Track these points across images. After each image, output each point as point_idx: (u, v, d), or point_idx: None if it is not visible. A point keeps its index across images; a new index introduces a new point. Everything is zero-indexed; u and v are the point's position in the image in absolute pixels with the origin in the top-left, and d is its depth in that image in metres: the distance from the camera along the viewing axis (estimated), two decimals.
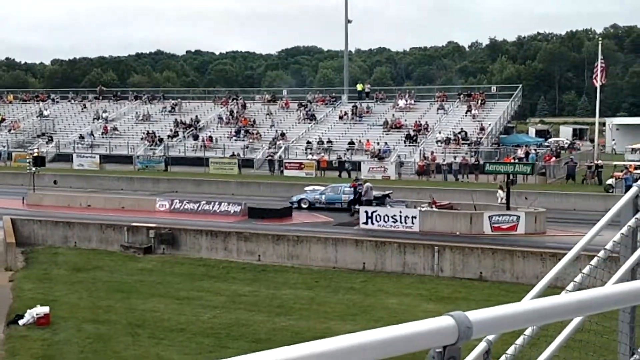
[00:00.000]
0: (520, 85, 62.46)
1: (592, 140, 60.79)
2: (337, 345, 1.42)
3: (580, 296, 1.82)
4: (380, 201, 31.67)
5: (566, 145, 58.99)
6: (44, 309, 19.25)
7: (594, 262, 4.74)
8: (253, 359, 1.38)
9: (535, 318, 1.76)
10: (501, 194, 31.68)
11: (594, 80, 49.29)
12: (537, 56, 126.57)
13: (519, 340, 4.23)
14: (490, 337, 3.98)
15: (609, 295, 1.90)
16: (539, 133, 71.21)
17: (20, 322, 19.04)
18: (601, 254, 4.75)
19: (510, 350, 4.14)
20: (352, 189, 32.73)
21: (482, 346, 3.89)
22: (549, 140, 64.41)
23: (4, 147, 59.38)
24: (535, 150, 48.83)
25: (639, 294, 2.00)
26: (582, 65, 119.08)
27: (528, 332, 4.25)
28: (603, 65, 48.80)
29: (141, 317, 19.67)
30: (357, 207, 30.62)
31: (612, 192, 35.44)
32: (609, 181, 37.45)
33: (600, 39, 56.79)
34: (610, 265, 4.61)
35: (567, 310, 1.82)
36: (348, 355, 1.43)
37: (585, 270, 4.69)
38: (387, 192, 33.01)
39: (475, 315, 1.63)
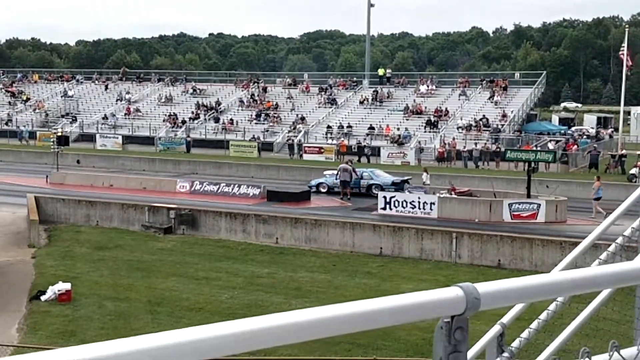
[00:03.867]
0: (544, 72, 61.80)
1: (616, 129, 60.06)
2: (348, 311, 1.46)
3: (589, 272, 1.83)
4: (399, 187, 31.64)
5: (592, 134, 58.22)
6: (65, 286, 19.55)
7: (611, 248, 4.73)
8: (267, 319, 1.42)
9: (543, 292, 1.79)
10: (425, 176, 31.78)
11: (625, 67, 48.46)
12: (562, 43, 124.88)
13: (534, 325, 4.23)
14: (504, 320, 4.00)
15: (621, 272, 1.91)
16: (562, 121, 70.46)
17: (43, 297, 19.36)
18: (619, 240, 4.74)
19: (524, 334, 4.15)
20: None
21: (496, 329, 3.91)
22: (572, 128, 63.71)
23: (24, 126, 59.92)
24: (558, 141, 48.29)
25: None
26: (608, 52, 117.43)
27: (543, 316, 4.25)
28: (626, 51, 48.03)
29: (160, 296, 19.92)
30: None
31: (635, 181, 35.04)
32: (632, 171, 37.04)
33: (627, 26, 55.84)
34: (628, 253, 4.60)
35: (575, 285, 1.84)
36: (359, 320, 1.47)
37: (603, 256, 4.68)
38: (406, 178, 32.94)
39: (484, 287, 1.66)
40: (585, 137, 53.93)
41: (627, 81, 52.50)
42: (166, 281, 21.36)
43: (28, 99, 67.55)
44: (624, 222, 4.72)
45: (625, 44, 47.73)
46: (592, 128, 65.85)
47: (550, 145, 45.44)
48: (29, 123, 61.07)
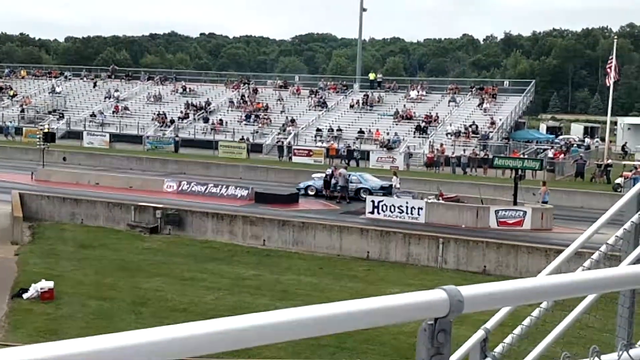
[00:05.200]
0: (533, 81, 62.08)
1: (602, 139, 60.51)
2: (331, 312, 1.46)
3: (572, 277, 1.84)
4: (388, 191, 31.73)
5: (585, 143, 58.57)
6: (48, 284, 19.41)
7: (595, 256, 4.75)
8: (251, 318, 1.41)
9: (526, 296, 1.79)
10: (395, 179, 32.44)
11: (607, 80, 48.92)
12: (552, 52, 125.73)
13: (517, 331, 4.25)
14: (488, 326, 4.01)
15: (604, 278, 1.92)
16: (549, 130, 70.87)
17: (25, 295, 19.21)
18: (603, 248, 4.77)
19: (508, 340, 4.17)
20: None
21: (479, 334, 3.92)
22: (560, 137, 64.09)
23: (10, 122, 59.53)
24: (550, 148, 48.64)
25: (631, 278, 2.02)
26: (596, 63, 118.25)
27: (526, 322, 4.27)
28: (615, 63, 48.40)
29: (145, 296, 19.83)
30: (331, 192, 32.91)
31: (621, 191, 35.26)
32: (618, 180, 37.28)
33: (615, 37, 56.28)
34: (612, 262, 4.63)
35: (559, 290, 1.85)
36: (342, 321, 1.47)
37: (586, 264, 4.71)
38: (392, 182, 33.05)
39: (467, 290, 1.66)
40: (576, 145, 54.30)
41: (615, 92, 52.90)
42: (151, 281, 21.26)
43: (15, 95, 67.09)
44: (608, 231, 4.75)
45: (613, 56, 48.11)
46: (578, 137, 66.30)
47: (550, 154, 45.85)
48: (16, 119, 60.67)
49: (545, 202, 29.16)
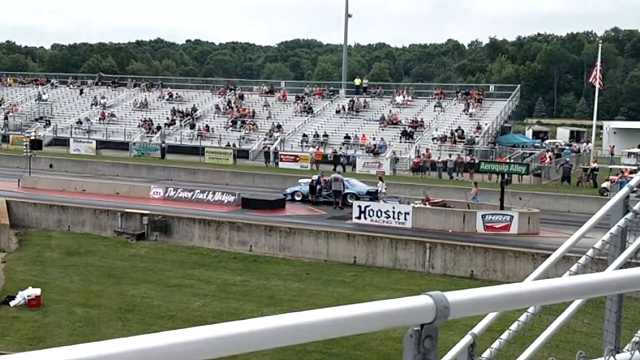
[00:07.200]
0: (519, 86, 62.42)
1: (589, 143, 60.94)
2: (317, 318, 1.46)
3: (559, 282, 1.85)
4: (374, 196, 31.75)
5: (575, 147, 59.02)
6: (35, 291, 19.31)
7: (582, 260, 4.78)
8: (237, 325, 1.41)
9: (512, 301, 1.80)
10: (380, 184, 32.51)
11: (593, 81, 49.26)
12: (537, 57, 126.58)
13: (504, 335, 4.26)
14: (475, 331, 4.02)
15: (590, 283, 1.93)
16: (535, 134, 71.27)
17: (12, 303, 19.09)
18: (590, 252, 4.79)
19: (495, 345, 4.18)
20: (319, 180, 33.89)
21: (467, 339, 3.92)
22: (546, 141, 64.45)
23: (1, 129, 59.16)
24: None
25: (618, 282, 2.03)
26: (581, 67, 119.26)
27: (513, 327, 4.28)
28: (601, 68, 48.87)
29: (131, 303, 19.72)
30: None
31: (607, 195, 35.48)
32: (604, 184, 37.49)
33: (600, 41, 56.79)
34: (599, 266, 4.65)
35: (545, 295, 1.85)
36: (327, 328, 1.46)
37: (573, 268, 4.73)
38: (378, 188, 33.09)
39: (453, 295, 1.67)
40: (567, 148, 54.69)
41: (600, 96, 53.32)
42: (137, 288, 21.15)
43: (2, 102, 66.65)
44: (595, 235, 4.78)
45: (598, 61, 48.53)
46: (564, 142, 66.72)
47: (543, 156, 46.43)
48: (2, 126, 60.23)
49: (477, 202, 29.64)
